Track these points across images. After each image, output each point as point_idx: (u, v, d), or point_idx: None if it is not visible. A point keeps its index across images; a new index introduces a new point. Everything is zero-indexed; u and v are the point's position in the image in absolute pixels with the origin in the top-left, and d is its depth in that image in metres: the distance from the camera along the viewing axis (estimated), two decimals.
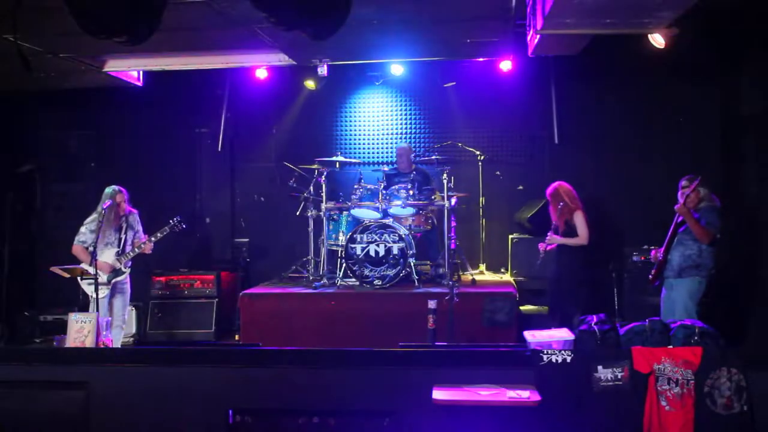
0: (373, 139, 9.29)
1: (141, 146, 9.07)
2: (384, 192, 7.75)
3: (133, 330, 8.17)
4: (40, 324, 8.52)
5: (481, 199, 8.79)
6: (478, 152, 8.60)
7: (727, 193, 7.80)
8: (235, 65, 7.62)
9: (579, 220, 6.84)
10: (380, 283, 7.41)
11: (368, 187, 7.86)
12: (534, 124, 8.79)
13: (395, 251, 7.40)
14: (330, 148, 9.15)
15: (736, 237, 7.40)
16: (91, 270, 6.44)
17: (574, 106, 8.65)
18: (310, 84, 8.63)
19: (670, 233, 6.25)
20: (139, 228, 6.95)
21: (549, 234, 7.02)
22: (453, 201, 7.72)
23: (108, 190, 6.76)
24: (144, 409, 4.92)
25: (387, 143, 9.20)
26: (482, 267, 8.77)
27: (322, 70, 7.28)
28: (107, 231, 6.69)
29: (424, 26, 6.13)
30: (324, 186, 7.95)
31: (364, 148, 9.29)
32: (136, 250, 6.75)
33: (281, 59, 7.13)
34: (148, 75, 7.85)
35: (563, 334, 5.02)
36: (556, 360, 4.64)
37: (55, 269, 6.60)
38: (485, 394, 4.32)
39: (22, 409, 4.96)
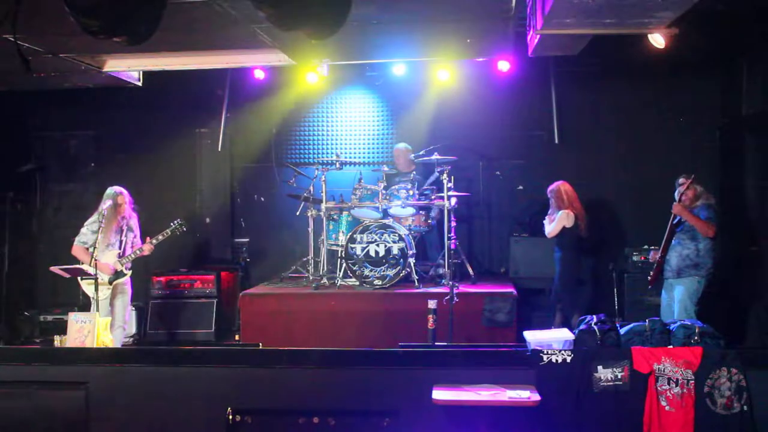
0: (372, 139, 9.26)
1: (141, 146, 9.03)
2: (384, 192, 7.74)
3: (133, 330, 8.16)
4: (40, 324, 8.52)
5: (480, 199, 8.79)
6: (477, 152, 8.58)
7: (727, 192, 7.82)
8: (235, 65, 7.59)
9: (559, 217, 7.16)
10: (380, 283, 7.40)
11: (368, 187, 7.85)
12: (534, 124, 8.78)
13: (395, 251, 7.39)
14: (330, 148, 9.15)
15: (736, 237, 7.41)
16: (91, 270, 6.43)
17: (574, 106, 8.65)
18: None
19: (667, 234, 6.26)
20: (138, 232, 6.94)
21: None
22: (453, 201, 7.71)
23: (109, 191, 6.76)
24: (144, 409, 4.93)
25: (387, 143, 9.18)
26: (482, 267, 8.77)
27: (323, 70, 7.27)
28: (108, 232, 6.69)
29: (424, 26, 6.11)
30: (324, 186, 7.94)
31: (364, 148, 9.27)
32: (137, 252, 6.75)
33: (281, 59, 7.11)
34: (148, 75, 7.82)
35: (563, 334, 5.02)
36: (556, 360, 4.64)
37: (55, 269, 6.60)
38: (485, 394, 4.32)
39: (22, 409, 4.97)
